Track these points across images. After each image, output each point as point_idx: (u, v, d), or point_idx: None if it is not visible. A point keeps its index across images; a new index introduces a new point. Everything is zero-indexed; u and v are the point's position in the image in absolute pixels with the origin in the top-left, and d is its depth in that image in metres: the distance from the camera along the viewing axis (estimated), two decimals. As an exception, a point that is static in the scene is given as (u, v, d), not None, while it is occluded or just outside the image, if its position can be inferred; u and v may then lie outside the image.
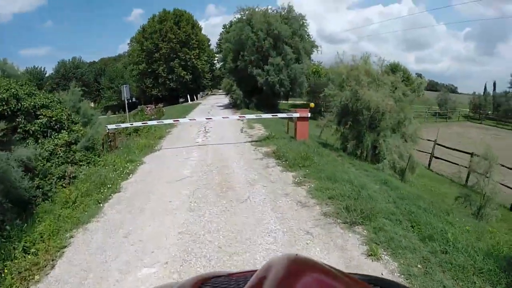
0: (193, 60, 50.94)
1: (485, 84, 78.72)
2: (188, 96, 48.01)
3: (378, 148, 12.11)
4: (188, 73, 50.87)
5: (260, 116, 12.60)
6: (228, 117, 12.82)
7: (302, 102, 42.85)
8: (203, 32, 57.05)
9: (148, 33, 50.71)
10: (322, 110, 33.37)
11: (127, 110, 18.41)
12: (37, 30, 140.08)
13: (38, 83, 59.67)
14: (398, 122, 12.37)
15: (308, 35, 30.17)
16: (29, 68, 62.97)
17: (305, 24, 29.31)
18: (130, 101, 61.47)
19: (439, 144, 18.11)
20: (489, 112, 52.31)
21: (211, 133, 15.30)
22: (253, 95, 28.65)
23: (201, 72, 53.43)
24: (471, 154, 15.58)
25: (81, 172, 8.72)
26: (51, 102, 10.02)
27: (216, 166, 9.23)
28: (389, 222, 5.44)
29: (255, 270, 0.70)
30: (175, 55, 49.88)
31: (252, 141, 12.67)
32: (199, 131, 15.89)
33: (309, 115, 12.04)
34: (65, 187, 7.99)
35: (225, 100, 34.29)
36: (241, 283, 0.70)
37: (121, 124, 12.68)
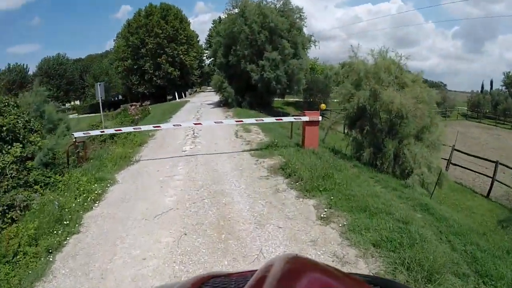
0: (181, 56, 48.57)
1: (482, 83, 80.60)
2: (176, 94, 45.66)
3: (401, 159, 10.19)
4: (176, 70, 48.50)
5: (262, 120, 10.51)
6: (222, 122, 10.59)
7: (297, 99, 40.87)
8: (191, 28, 54.72)
9: (134, 28, 48.22)
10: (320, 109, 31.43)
11: (101, 111, 16.19)
12: (25, 27, 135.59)
13: (21, 80, 57.33)
14: (423, 128, 10.46)
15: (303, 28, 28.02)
16: (11, 65, 60.51)
17: (302, 17, 27.16)
18: (115, 99, 59.46)
19: (458, 150, 16.20)
20: (487, 111, 52.00)
21: (200, 137, 13.21)
22: (246, 93, 26.42)
23: (189, 69, 51.03)
24: (496, 163, 13.95)
25: (32, 200, 6.63)
26: (3, 106, 8.03)
27: (209, 190, 7.14)
28: (458, 280, 3.99)
29: (255, 270, 0.70)
30: (162, 51, 47.49)
31: (251, 150, 10.64)
32: (187, 135, 13.78)
33: (320, 118, 10.12)
34: (15, 221, 6.05)
35: (215, 97, 31.94)
36: (241, 283, 0.70)
37: (89, 132, 10.48)
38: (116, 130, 10.48)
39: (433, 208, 6.97)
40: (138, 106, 29.77)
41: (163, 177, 8.26)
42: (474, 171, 15.46)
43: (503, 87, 63.40)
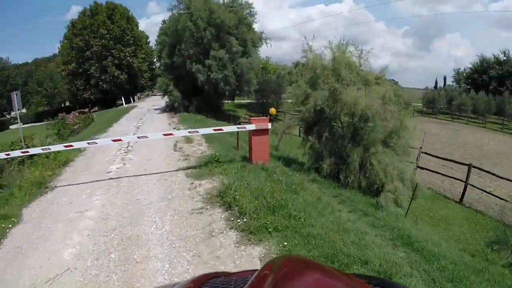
0: (128, 58, 45.58)
1: (436, 79, 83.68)
2: (123, 99, 42.79)
3: (368, 170, 8.60)
4: (123, 73, 45.44)
5: (197, 131, 8.49)
6: (147, 137, 8.47)
7: (250, 101, 38.88)
8: (143, 30, 51.78)
9: (78, 29, 44.69)
10: (270, 114, 29.35)
11: (20, 124, 13.42)
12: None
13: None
14: (391, 132, 8.92)
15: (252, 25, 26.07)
16: None
17: (252, 12, 25.22)
18: (63, 105, 55.77)
19: (425, 153, 14.85)
20: (442, 106, 53.04)
21: (134, 151, 11.23)
22: (193, 96, 24.32)
23: (137, 71, 48.01)
24: (469, 166, 12.78)
25: None
26: None
27: (122, 235, 5.20)
28: None
29: (255, 270, 0.70)
30: (108, 53, 44.32)
31: (188, 168, 8.76)
32: (120, 148, 11.66)
33: (270, 126, 8.39)
34: None
35: (163, 102, 29.51)
36: (241, 283, 0.69)
37: (9, 152, 8.33)
38: (43, 150, 8.18)
39: (418, 241, 5.44)
40: (77, 114, 27.14)
41: (73, 214, 6.22)
42: (445, 175, 14.21)
43: (454, 83, 66.15)
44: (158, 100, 36.57)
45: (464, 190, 12.80)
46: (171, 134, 8.30)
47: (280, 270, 0.62)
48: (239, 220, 5.38)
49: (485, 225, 10.95)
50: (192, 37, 22.25)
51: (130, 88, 47.76)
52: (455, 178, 13.54)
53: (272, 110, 9.76)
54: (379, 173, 8.19)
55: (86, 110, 38.35)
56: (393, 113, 8.53)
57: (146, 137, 8.11)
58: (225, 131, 8.59)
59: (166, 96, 26.10)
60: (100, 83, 44.82)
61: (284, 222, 5.12)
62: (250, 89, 26.32)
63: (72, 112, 29.57)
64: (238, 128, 8.35)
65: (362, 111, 8.19)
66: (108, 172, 8.98)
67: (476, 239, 9.96)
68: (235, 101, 37.09)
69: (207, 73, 22.22)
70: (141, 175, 8.46)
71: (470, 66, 61.18)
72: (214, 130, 8.46)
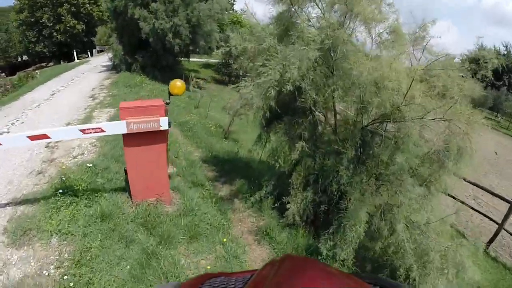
0: (88, 5, 38.97)
1: None
2: (75, 53, 36.65)
3: (381, 238, 3.84)
4: (80, 23, 38.81)
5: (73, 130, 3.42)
6: None
7: (219, 60, 30.86)
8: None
9: None
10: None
11: None
12: None
13: None
14: (438, 156, 4.01)
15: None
16: None
17: None
18: (18, 60, 49.09)
19: (473, 183, 9.30)
20: None
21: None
22: (138, 51, 18.37)
23: (97, 21, 41.16)
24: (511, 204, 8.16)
25: None
26: None
27: None
28: None
29: (255, 270, 0.69)
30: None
31: (21, 202, 4.17)
32: None
33: (168, 124, 3.59)
34: None
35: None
36: (241, 283, 0.68)
37: None
38: None
39: None
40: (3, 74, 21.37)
41: None
42: (481, 213, 9.27)
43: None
44: (112, 55, 30.61)
45: (495, 235, 8.32)
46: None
47: (280, 269, 0.60)
48: None
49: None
50: (137, -29, 16.18)
51: (88, 40, 41.23)
52: (490, 219, 8.83)
53: (177, 86, 3.97)
54: (407, 255, 3.46)
55: (43, 65, 32.82)
56: (467, 122, 3.67)
57: None
58: (54, 139, 3.65)
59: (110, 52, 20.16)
60: (54, 34, 38.20)
61: None
62: (210, 44, 19.68)
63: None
64: (83, 132, 3.33)
65: (393, 104, 3.43)
66: None
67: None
68: (202, 59, 30.71)
69: (153, 21, 16.27)
70: None
71: (467, 53, 56.33)
72: (30, 138, 3.42)
